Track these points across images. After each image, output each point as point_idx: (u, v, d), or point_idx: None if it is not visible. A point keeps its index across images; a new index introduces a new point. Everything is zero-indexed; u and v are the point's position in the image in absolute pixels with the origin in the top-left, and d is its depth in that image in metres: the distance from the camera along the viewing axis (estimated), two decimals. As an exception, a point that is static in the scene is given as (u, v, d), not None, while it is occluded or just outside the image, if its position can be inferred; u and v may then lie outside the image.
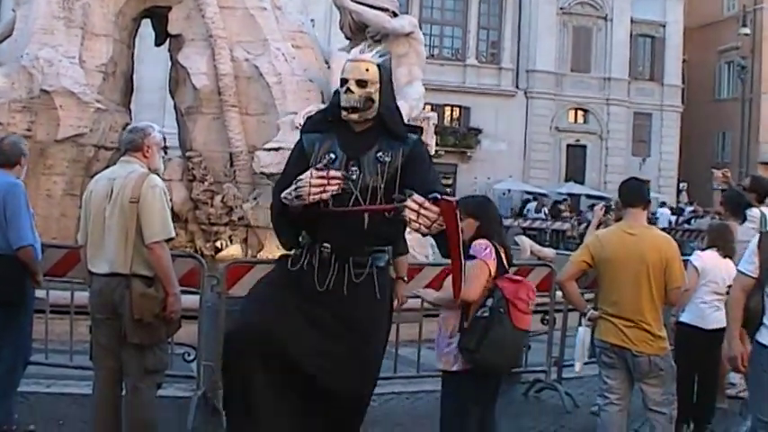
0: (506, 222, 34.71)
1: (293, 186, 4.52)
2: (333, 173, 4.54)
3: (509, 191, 46.19)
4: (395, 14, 14.91)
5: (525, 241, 17.87)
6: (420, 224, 4.21)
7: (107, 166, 6.81)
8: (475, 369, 5.37)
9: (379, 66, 4.85)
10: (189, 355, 7.62)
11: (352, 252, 4.78)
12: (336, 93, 4.93)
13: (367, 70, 4.79)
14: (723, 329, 7.65)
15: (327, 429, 4.91)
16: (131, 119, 14.86)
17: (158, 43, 16.14)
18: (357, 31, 14.76)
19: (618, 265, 5.98)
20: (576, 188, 47.36)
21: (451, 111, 48.81)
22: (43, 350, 7.70)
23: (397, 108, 5.04)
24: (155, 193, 5.69)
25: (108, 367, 5.86)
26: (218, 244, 14.14)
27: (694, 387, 7.55)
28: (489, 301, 5.27)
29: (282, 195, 4.60)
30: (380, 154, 4.75)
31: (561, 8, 49.35)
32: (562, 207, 40.54)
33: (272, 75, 14.04)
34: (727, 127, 52.56)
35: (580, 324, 6.70)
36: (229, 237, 14.18)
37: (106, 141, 13.78)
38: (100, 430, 5.89)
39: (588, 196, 45.58)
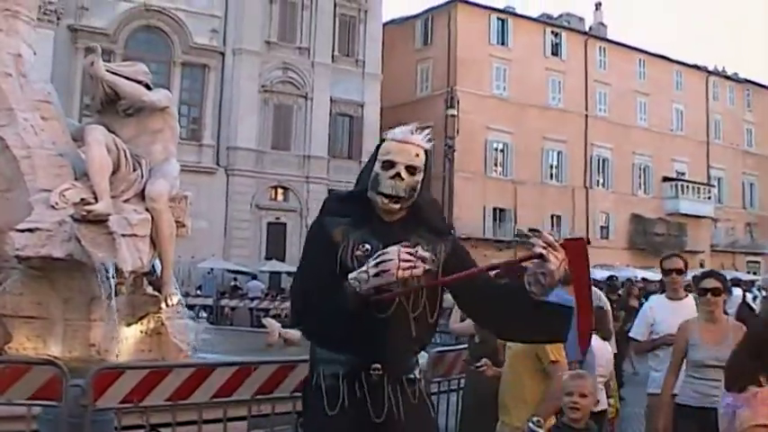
0: (222, 302, 33.68)
1: (372, 263, 3.76)
2: (421, 252, 3.81)
3: (212, 270, 45.18)
4: (149, 87, 14.06)
5: (273, 324, 16.84)
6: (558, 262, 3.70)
7: None
8: None
9: (426, 151, 4.16)
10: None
11: (403, 369, 4.06)
12: (364, 174, 4.21)
13: (417, 155, 4.10)
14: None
15: None
16: None
17: None
18: (109, 103, 13.75)
19: None
20: (278, 266, 47.37)
21: (153, 187, 47.24)
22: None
23: (435, 199, 4.39)
24: None
25: None
26: (-46, 336, 12.51)
27: None
28: None
29: (353, 276, 3.79)
30: (419, 249, 3.93)
31: (263, 86, 49.67)
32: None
33: (21, 148, 12.62)
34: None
35: None
36: (-32, 328, 12.61)
37: None
38: None
39: (290, 273, 45.63)
